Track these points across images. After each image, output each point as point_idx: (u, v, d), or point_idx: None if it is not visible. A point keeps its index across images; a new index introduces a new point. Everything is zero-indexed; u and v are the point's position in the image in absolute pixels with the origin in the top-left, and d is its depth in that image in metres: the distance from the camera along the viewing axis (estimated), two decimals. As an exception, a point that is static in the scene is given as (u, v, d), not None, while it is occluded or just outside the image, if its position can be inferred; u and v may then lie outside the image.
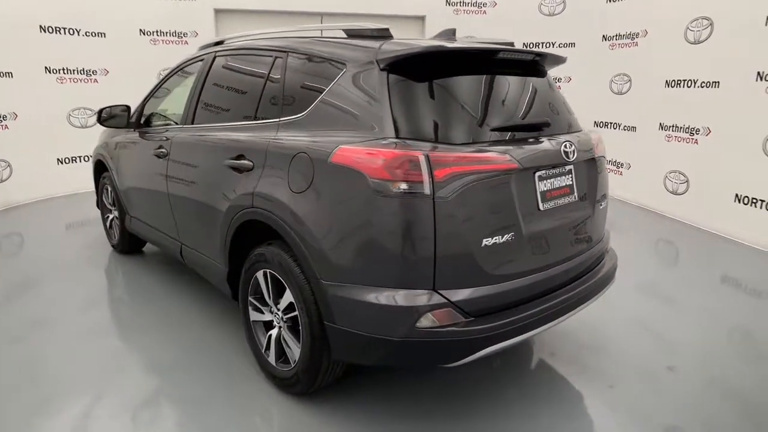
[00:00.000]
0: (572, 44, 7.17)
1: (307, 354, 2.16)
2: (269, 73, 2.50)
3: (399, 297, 1.84)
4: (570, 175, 2.26)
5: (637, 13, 6.15)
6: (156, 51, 6.89)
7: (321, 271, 2.00)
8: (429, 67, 2.00)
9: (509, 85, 2.23)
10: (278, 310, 2.35)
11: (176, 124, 3.20)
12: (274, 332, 2.40)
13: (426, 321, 1.83)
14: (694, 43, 5.28)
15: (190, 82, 3.16)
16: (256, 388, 2.45)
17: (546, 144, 2.16)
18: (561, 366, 2.69)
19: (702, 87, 5.22)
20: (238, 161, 2.44)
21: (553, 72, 2.63)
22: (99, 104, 4.03)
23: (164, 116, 3.51)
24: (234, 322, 3.06)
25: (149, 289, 3.62)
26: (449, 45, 2.05)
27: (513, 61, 2.25)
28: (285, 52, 2.45)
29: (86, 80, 6.58)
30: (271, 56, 2.53)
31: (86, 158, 6.59)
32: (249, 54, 2.74)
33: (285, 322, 2.32)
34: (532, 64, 2.38)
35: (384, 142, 1.87)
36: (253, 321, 2.54)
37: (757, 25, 4.53)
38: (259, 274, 2.41)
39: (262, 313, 2.47)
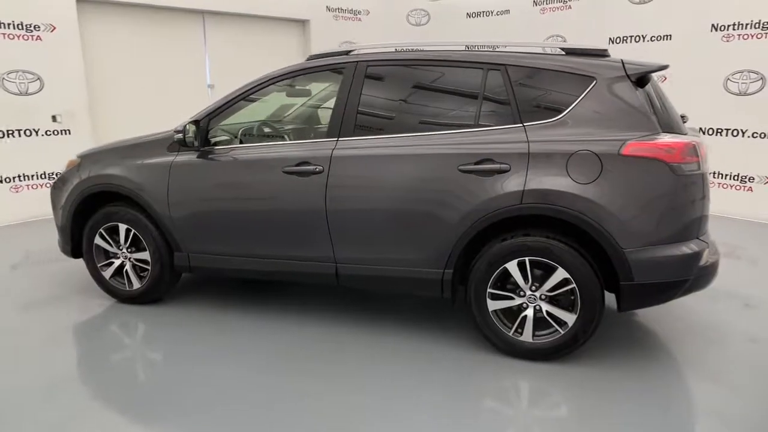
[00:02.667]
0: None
1: (586, 315, 2.62)
2: (485, 84, 2.75)
3: (693, 246, 2.54)
4: None
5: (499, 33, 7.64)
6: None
7: (621, 240, 2.50)
8: (647, 79, 2.69)
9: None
10: (535, 291, 2.70)
11: (313, 138, 3.00)
12: (529, 312, 2.73)
13: (703, 259, 2.58)
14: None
15: (295, 96, 2.99)
16: (516, 365, 2.76)
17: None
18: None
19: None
20: (484, 165, 2.64)
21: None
22: None
23: (271, 132, 3.15)
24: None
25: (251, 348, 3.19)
26: (659, 63, 2.74)
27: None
28: (501, 65, 2.75)
29: None
30: (480, 68, 2.77)
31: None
32: (439, 65, 2.87)
33: (543, 300, 2.69)
34: None
35: (667, 136, 2.50)
36: (493, 311, 2.78)
37: None
38: (511, 265, 2.70)
39: (511, 299, 2.75)
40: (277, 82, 3.16)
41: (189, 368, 2.76)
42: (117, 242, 3.50)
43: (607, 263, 2.61)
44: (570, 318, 2.68)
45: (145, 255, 3.42)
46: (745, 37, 5.44)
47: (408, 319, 3.31)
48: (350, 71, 2.97)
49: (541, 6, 6.88)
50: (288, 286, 3.86)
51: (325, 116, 3.13)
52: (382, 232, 2.89)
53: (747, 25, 5.41)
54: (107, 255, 3.59)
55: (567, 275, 2.63)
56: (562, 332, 2.70)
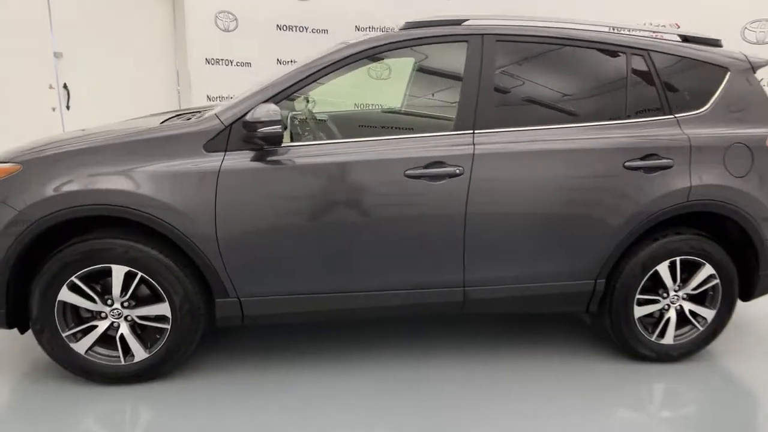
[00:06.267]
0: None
1: (724, 309, 2.61)
2: (629, 70, 2.47)
3: None
4: None
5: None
6: None
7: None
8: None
9: None
10: (677, 291, 2.58)
11: (431, 129, 2.30)
12: (671, 313, 2.60)
13: None
14: None
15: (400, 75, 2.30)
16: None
17: None
18: None
19: None
20: (650, 161, 2.39)
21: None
22: None
23: (363, 122, 2.31)
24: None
25: None
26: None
27: None
28: (644, 50, 2.50)
29: None
30: (623, 53, 2.48)
31: None
32: (580, 46, 2.45)
33: (685, 299, 2.60)
34: None
35: None
36: (638, 318, 2.57)
37: None
38: (662, 266, 2.52)
39: (656, 302, 2.58)
40: (367, 56, 2.35)
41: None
42: (103, 294, 2.24)
43: (746, 255, 2.63)
44: (709, 314, 2.63)
45: (160, 308, 2.25)
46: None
47: (512, 339, 2.89)
48: (476, 46, 2.37)
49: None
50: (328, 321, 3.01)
51: (437, 102, 2.46)
52: (531, 243, 2.41)
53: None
54: (81, 317, 2.28)
55: (713, 271, 2.57)
56: (701, 329, 2.65)
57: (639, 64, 2.51)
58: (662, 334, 2.62)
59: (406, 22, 2.42)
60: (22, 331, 2.32)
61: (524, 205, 2.37)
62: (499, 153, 2.32)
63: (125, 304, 2.25)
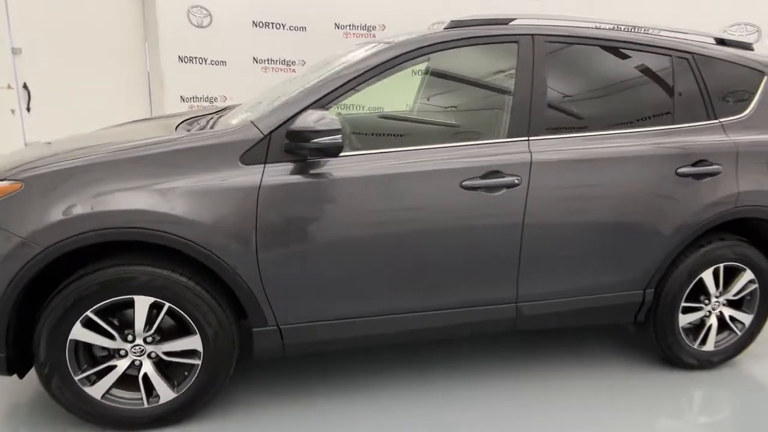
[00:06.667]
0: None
1: (761, 312, 2.60)
2: (674, 73, 2.41)
3: None
4: None
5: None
6: None
7: None
8: None
9: None
10: (718, 298, 2.55)
11: (482, 136, 2.15)
12: (713, 320, 2.56)
13: None
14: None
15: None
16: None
17: None
18: None
19: None
20: (701, 167, 2.33)
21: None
22: None
23: (403, 130, 2.11)
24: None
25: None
26: None
27: None
28: (688, 53, 2.44)
29: None
30: (668, 55, 2.41)
31: None
32: (627, 48, 2.37)
33: (725, 305, 2.57)
34: None
35: None
36: (682, 326, 2.52)
37: None
38: (707, 273, 2.48)
39: (699, 310, 2.54)
40: (418, 56, 2.15)
41: None
42: (122, 328, 1.95)
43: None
44: (747, 318, 2.62)
45: (190, 342, 1.99)
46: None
47: (540, 351, 2.78)
48: (527, 47, 2.23)
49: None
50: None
51: (484, 105, 2.30)
52: (585, 255, 2.31)
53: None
54: (95, 357, 1.98)
55: (752, 276, 2.55)
56: (740, 333, 2.63)
57: (684, 67, 2.45)
58: (704, 341, 2.59)
59: (452, 21, 2.24)
60: (22, 374, 2.00)
61: (580, 214, 2.26)
62: (556, 161, 2.20)
63: (149, 339, 1.97)
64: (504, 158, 2.14)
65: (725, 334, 2.63)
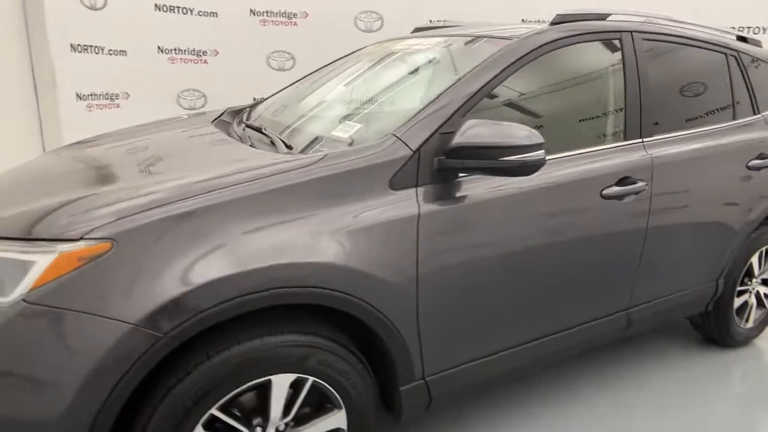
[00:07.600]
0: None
1: None
2: (730, 71, 2.50)
3: None
4: None
5: None
6: None
7: None
8: None
9: None
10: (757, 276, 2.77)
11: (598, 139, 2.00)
12: (752, 299, 2.77)
13: None
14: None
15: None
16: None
17: None
18: None
19: None
20: (764, 160, 2.47)
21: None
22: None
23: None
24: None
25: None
26: None
27: None
28: (735, 50, 2.55)
29: None
30: (722, 53, 2.49)
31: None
32: (694, 47, 2.39)
33: (759, 284, 2.80)
34: None
35: None
36: (735, 309, 2.68)
37: None
38: (755, 257, 2.66)
39: (747, 292, 2.72)
40: (544, 53, 1.90)
41: None
42: (248, 418, 1.44)
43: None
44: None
45: (335, 420, 1.55)
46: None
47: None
48: (629, 44, 2.12)
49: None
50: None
51: (596, 107, 2.12)
52: (688, 254, 2.32)
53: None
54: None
55: (783, 255, 2.81)
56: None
57: (735, 64, 2.57)
58: (747, 319, 2.79)
59: (558, 15, 2.04)
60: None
61: (687, 214, 2.25)
62: (672, 163, 2.14)
63: (281, 426, 1.49)
64: (631, 162, 2.02)
65: (761, 311, 2.86)
